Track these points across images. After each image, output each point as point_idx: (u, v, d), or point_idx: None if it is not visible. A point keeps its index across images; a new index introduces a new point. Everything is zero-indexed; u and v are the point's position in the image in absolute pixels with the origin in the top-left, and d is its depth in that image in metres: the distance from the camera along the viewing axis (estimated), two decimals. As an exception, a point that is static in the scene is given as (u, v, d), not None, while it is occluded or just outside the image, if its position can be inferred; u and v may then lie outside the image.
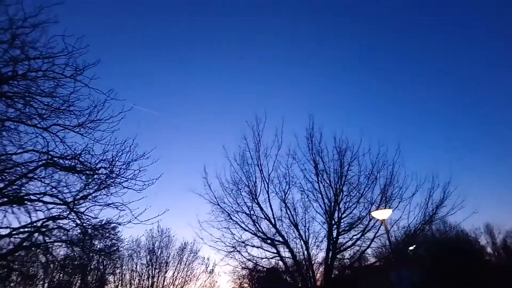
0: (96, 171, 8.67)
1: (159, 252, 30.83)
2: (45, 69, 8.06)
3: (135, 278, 30.38)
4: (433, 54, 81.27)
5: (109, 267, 30.63)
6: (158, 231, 31.08)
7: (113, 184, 8.80)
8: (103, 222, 9.50)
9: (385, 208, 15.78)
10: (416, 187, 19.20)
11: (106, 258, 28.50)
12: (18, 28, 8.16)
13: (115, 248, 28.35)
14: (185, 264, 31.02)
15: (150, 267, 30.74)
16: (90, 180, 8.63)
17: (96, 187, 8.72)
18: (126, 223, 8.64)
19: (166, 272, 30.71)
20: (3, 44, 8.56)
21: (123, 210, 8.57)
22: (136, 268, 30.88)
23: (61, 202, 8.35)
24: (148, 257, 31.00)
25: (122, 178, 8.81)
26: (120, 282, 30.84)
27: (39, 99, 8.25)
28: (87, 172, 8.62)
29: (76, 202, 8.46)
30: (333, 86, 76.38)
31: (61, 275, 27.44)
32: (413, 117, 74.38)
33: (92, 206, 8.57)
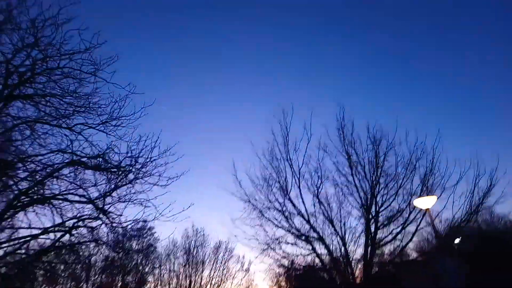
0: (121, 169, 8.59)
1: (195, 252, 31.10)
2: (62, 66, 8.08)
3: (173, 277, 30.81)
4: (479, 32, 76.46)
5: (148, 267, 31.31)
6: (193, 230, 31.35)
7: (138, 181, 8.71)
8: (135, 223, 9.40)
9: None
10: (460, 174, 17.95)
11: (144, 258, 29.23)
12: (39, 30, 8.24)
13: (152, 248, 28.94)
14: (221, 263, 31.09)
15: (187, 266, 31.05)
16: (115, 177, 8.55)
17: (121, 184, 8.64)
18: (152, 220, 8.53)
19: (202, 271, 30.94)
20: (27, 47, 8.69)
21: (148, 206, 8.45)
22: (173, 268, 31.34)
23: (87, 201, 8.32)
24: (185, 256, 31.34)
25: (147, 174, 8.70)
26: (159, 282, 31.42)
27: (61, 98, 8.29)
28: (112, 169, 8.57)
29: (101, 199, 8.40)
30: (364, 73, 73.49)
31: (103, 276, 28.40)
32: (454, 100, 69.99)
33: (116, 203, 8.51)
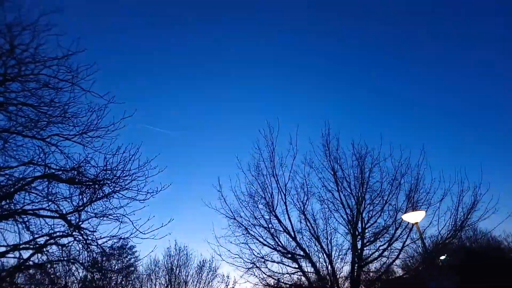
0: (97, 182, 8.13)
1: (177, 271, 30.10)
2: (37, 72, 7.69)
3: (154, 299, 29.63)
4: (460, 52, 78.87)
5: (128, 288, 30.06)
6: (176, 249, 30.44)
7: (115, 195, 8.24)
8: (114, 241, 8.86)
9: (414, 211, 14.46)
10: (445, 191, 17.95)
11: (124, 278, 28.10)
12: (16, 37, 7.87)
13: (132, 268, 27.86)
14: (205, 283, 30.10)
15: (169, 287, 29.97)
16: (90, 191, 8.07)
17: (96, 199, 8.15)
18: (128, 236, 8.03)
19: (185, 292, 29.87)
20: (3, 55, 8.28)
21: (125, 222, 7.96)
22: (155, 288, 30.19)
23: (60, 216, 7.79)
24: (167, 276, 30.29)
25: (124, 188, 8.25)
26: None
27: (35, 107, 7.86)
28: (88, 183, 8.10)
29: (75, 215, 7.89)
30: (349, 89, 74.68)
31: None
32: (437, 118, 71.50)
33: (91, 218, 7.99)
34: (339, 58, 79.06)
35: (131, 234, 8.04)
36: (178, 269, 30.00)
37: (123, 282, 29.24)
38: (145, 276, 29.99)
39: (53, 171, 8.00)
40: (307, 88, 72.41)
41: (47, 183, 7.94)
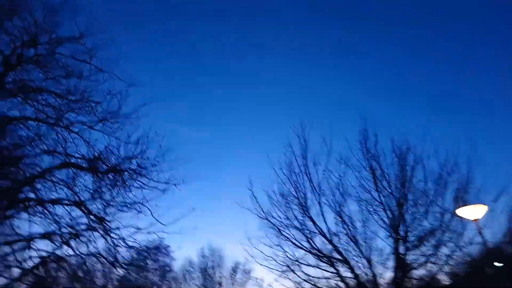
0: (118, 171, 7.84)
1: (212, 273, 29.97)
2: (52, 52, 7.55)
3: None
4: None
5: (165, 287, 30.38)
6: (209, 250, 30.35)
7: (135, 183, 7.92)
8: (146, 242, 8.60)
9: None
10: (499, 189, 16.28)
11: (160, 277, 28.37)
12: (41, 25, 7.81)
13: (167, 268, 27.96)
14: (239, 285, 29.71)
15: (203, 288, 29.95)
16: (111, 180, 7.80)
17: (117, 186, 7.88)
18: (149, 229, 7.66)
19: (219, 294, 29.66)
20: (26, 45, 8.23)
21: (143, 212, 7.62)
22: (190, 289, 30.29)
23: (78, 204, 7.57)
24: (202, 277, 30.26)
25: (143, 176, 7.91)
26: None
27: (57, 94, 7.73)
28: (111, 173, 7.83)
29: (95, 203, 7.63)
30: (389, 82, 70.63)
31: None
32: (488, 110, 65.74)
33: (114, 211, 7.71)
34: (376, 48, 75.59)
35: (151, 224, 7.69)
36: (212, 270, 29.88)
37: (159, 282, 29.55)
38: (180, 276, 30.17)
39: (75, 160, 7.82)
40: (342, 82, 69.55)
41: (69, 172, 7.79)
